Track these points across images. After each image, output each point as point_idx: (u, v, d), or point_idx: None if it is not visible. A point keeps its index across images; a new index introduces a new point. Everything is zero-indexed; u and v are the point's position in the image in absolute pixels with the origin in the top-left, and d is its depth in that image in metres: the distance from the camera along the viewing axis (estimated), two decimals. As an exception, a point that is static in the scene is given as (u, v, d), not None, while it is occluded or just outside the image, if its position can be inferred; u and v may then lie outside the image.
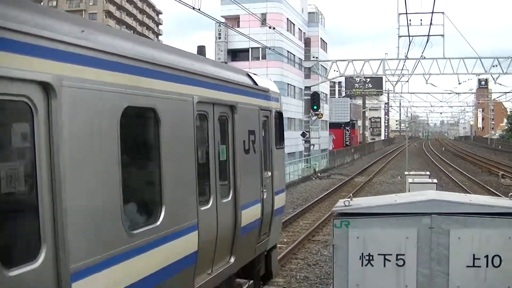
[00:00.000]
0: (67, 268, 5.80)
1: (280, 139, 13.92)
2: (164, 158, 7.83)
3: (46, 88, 5.67)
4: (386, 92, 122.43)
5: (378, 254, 7.96)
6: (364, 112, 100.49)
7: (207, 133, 9.74)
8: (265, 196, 12.43)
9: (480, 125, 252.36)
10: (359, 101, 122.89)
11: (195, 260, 8.76)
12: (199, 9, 24.76)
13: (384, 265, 7.96)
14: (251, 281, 12.11)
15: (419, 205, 8.09)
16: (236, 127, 10.75)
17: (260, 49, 78.85)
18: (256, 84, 12.61)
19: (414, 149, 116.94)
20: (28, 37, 5.46)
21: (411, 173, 26.34)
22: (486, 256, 7.79)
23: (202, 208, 9.10)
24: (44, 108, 5.69)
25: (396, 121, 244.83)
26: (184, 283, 8.58)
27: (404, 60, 53.32)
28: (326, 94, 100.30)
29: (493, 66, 51.36)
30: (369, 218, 8.07)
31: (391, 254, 7.95)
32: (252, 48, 79.00)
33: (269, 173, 12.92)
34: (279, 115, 13.79)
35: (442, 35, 48.95)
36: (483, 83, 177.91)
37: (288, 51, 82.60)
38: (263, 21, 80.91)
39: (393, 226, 7.96)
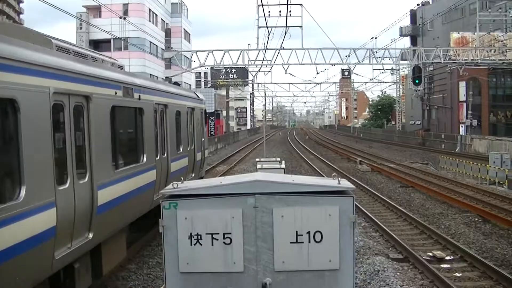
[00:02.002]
0: None
1: (205, 123, 27.11)
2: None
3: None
4: (250, 82, 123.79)
5: (206, 234, 8.20)
6: (228, 102, 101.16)
7: (189, 121, 22.11)
8: (202, 149, 24.92)
9: (344, 114, 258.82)
10: (224, 92, 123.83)
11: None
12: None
13: (212, 244, 8.20)
14: None
15: (244, 185, 8.38)
16: (195, 117, 23.34)
17: (122, 40, 78.17)
18: (198, 97, 25.35)
19: (278, 138, 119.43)
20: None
21: (262, 159, 27.08)
22: (308, 233, 8.17)
23: (189, 148, 21.93)
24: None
25: (262, 111, 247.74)
26: None
27: (264, 51, 54.43)
28: (190, 85, 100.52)
29: (346, 56, 53.26)
30: (196, 199, 8.30)
31: (218, 233, 8.20)
32: (114, 39, 78.09)
33: (203, 139, 25.42)
34: (205, 111, 26.83)
35: (301, 26, 50.21)
36: (346, 73, 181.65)
37: (150, 42, 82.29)
38: (125, 12, 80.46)
39: (219, 206, 8.20)
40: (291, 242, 8.23)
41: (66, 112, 10.67)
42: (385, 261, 16.48)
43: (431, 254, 17.87)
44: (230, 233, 8.24)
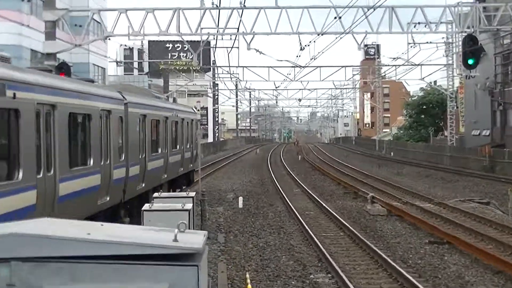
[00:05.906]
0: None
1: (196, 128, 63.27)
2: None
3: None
4: (210, 66, 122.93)
5: None
6: (167, 98, 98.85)
7: (186, 128, 57.11)
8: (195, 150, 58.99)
9: (368, 119, 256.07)
10: (172, 81, 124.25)
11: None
12: None
13: None
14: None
15: None
16: (194, 126, 61.76)
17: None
18: (194, 112, 68.68)
19: (254, 159, 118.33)
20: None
21: (161, 194, 28.20)
22: None
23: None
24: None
25: (237, 114, 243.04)
26: None
27: (217, 11, 53.32)
28: (105, 69, 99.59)
29: (335, 18, 51.93)
30: None
31: None
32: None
33: (197, 141, 56.63)
34: (198, 120, 69.87)
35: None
36: (372, 51, 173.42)
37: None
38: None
39: None
40: None
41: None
42: None
43: None
44: None
